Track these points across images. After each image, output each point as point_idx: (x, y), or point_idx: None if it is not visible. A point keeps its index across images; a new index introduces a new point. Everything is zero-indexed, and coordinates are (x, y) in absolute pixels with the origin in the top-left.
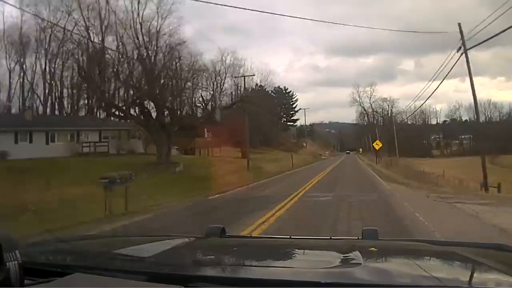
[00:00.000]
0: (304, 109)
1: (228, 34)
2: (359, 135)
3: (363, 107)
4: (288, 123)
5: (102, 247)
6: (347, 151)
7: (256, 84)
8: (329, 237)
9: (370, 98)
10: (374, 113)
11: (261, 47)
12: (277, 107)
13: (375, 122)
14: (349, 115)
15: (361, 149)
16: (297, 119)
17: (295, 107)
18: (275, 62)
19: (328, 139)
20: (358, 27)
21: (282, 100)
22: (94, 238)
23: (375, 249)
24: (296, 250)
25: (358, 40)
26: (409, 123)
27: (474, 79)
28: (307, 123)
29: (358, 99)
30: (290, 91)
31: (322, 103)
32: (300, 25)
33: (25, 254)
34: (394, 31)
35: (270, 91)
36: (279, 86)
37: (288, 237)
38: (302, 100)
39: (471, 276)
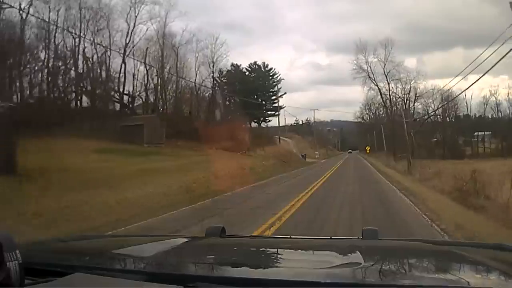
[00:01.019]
0: (277, 82)
1: (227, 31)
2: (365, 129)
3: (373, 81)
4: (269, 112)
5: (102, 247)
6: (349, 150)
7: (232, 64)
8: (329, 237)
9: (385, 65)
10: (392, 93)
11: (261, 45)
12: (257, 91)
13: (390, 103)
14: (352, 113)
15: (368, 148)
16: (281, 107)
17: (276, 91)
18: (276, 61)
19: (327, 137)
20: (359, 25)
21: (259, 81)
22: (94, 238)
23: (375, 249)
24: (296, 250)
25: (360, 37)
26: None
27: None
28: (304, 120)
29: (366, 67)
30: (271, 69)
31: (323, 102)
32: (301, 22)
33: (25, 254)
34: (396, 29)
35: (244, 69)
36: (255, 62)
37: (288, 237)
38: (303, 98)
39: (471, 276)
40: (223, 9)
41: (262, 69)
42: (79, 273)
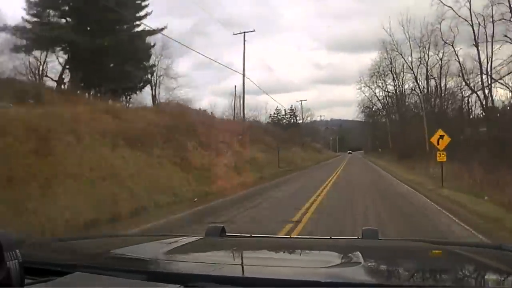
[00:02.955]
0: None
1: (224, 28)
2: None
3: None
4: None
5: (102, 246)
6: (349, 151)
7: None
8: (329, 237)
9: None
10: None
11: (260, 42)
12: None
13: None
14: (353, 112)
15: (444, 142)
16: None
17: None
18: (275, 59)
19: (324, 136)
20: (360, 23)
21: None
22: (94, 237)
23: (375, 249)
24: (296, 249)
25: (360, 35)
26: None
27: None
28: (287, 110)
29: None
30: None
31: (323, 101)
32: (301, 20)
33: (25, 253)
34: (397, 27)
35: None
36: None
37: (288, 236)
38: (303, 98)
39: (471, 276)
40: (219, 5)
41: None
42: (79, 273)
